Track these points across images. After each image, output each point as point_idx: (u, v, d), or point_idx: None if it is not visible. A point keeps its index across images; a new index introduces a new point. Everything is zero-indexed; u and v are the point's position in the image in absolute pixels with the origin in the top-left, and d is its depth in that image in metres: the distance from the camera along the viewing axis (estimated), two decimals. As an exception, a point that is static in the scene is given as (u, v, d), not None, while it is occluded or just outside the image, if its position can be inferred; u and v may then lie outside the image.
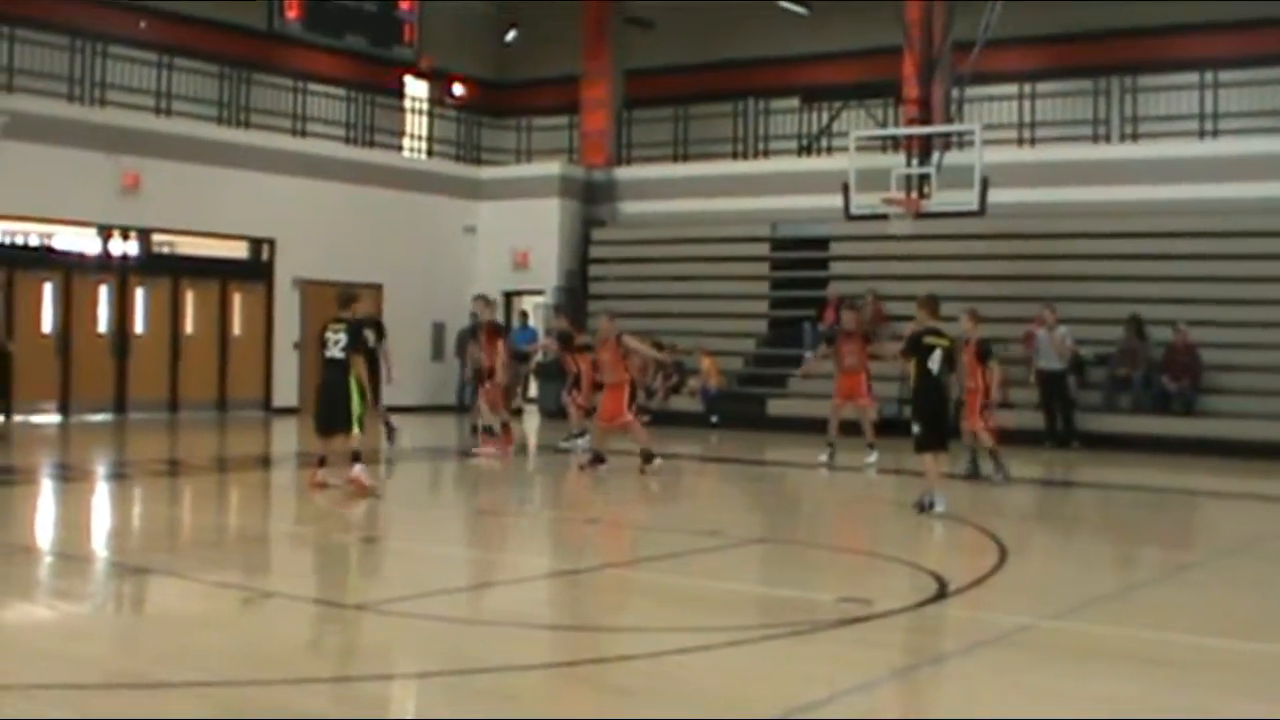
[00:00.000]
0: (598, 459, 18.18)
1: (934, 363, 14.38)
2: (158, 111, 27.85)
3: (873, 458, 19.46)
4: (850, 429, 20.11)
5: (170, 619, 9.07)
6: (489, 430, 20.23)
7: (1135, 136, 28.83)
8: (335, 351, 15.26)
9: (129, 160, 26.14)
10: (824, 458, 19.79)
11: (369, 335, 18.30)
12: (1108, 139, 29.11)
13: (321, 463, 15.54)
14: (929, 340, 14.52)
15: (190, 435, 23.92)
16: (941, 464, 14.67)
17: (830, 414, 20.18)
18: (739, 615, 9.55)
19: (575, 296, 30.72)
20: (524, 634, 8.75)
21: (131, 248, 26.76)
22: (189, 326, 27.53)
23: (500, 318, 31.25)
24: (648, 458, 17.87)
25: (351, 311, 15.68)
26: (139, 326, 26.79)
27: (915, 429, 14.42)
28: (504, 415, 20.22)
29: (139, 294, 26.85)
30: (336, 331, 15.32)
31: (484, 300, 20.90)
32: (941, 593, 10.07)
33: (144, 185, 26.29)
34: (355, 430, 15.30)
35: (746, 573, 11.44)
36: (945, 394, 14.98)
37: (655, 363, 27.77)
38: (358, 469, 15.17)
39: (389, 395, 20.67)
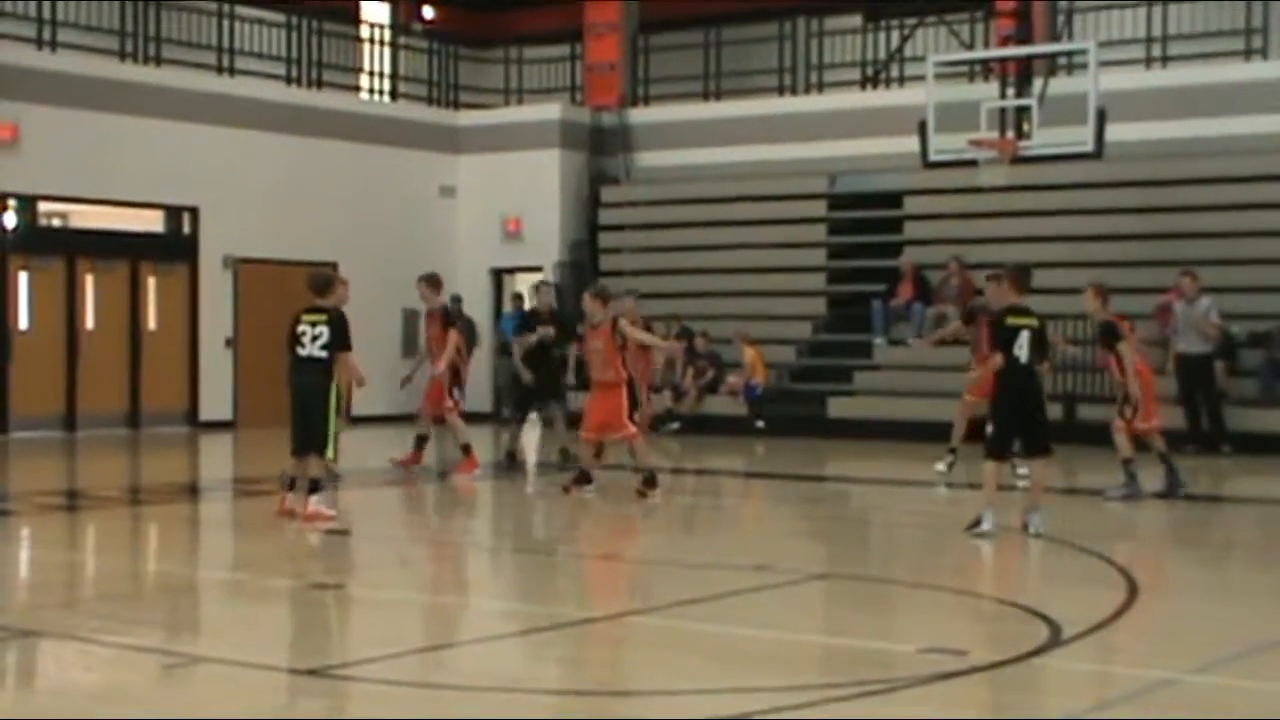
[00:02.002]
0: (583, 478, 18.10)
1: (1021, 349, 14.66)
2: (40, 44, 27.88)
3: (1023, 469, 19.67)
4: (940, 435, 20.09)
5: (68, 695, 9.03)
6: (466, 448, 20.57)
7: (1301, 49, 28.73)
8: (313, 349, 15.34)
9: (3, 107, 26.17)
10: (943, 467, 20.00)
11: None
12: (1263, 54, 28.94)
13: (291, 485, 15.59)
14: (1012, 321, 14.81)
15: (93, 458, 23.94)
16: (1004, 474, 15.10)
17: (958, 415, 20.18)
18: (797, 673, 9.48)
19: (582, 273, 30.72)
20: (526, 702, 8.71)
21: (8, 219, 26.81)
22: (89, 320, 27.59)
23: (485, 302, 31.34)
24: (649, 481, 17.71)
25: (334, 299, 15.73)
26: (22, 321, 26.86)
27: (990, 429, 14.92)
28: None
29: (21, 279, 26.91)
30: (315, 325, 15.38)
31: (428, 281, 21.28)
32: (1055, 640, 10.01)
33: (24, 139, 26.33)
34: (328, 453, 15.36)
35: (804, 618, 11.40)
36: (1036, 387, 15.26)
37: (684, 355, 27.82)
38: (314, 500, 15.20)
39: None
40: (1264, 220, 26.12)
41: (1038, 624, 10.47)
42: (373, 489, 19.99)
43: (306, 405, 15.46)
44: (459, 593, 13.00)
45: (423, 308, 22.33)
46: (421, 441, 20.96)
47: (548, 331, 21.29)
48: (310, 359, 15.37)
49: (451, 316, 21.20)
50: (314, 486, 15.40)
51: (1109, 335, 17.77)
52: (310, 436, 15.44)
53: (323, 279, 16.01)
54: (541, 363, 21.31)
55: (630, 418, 18.13)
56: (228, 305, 29.00)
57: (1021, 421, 14.90)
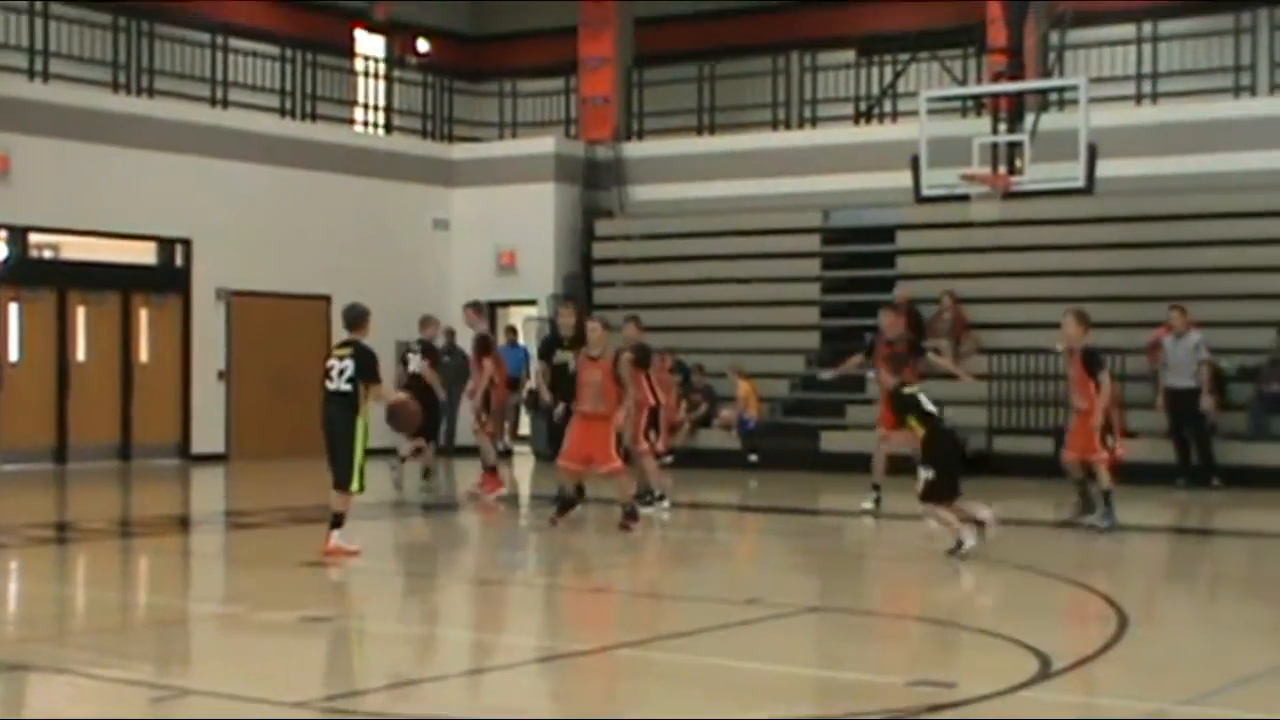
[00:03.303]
0: (567, 505, 18.05)
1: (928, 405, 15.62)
2: (31, 74, 27.94)
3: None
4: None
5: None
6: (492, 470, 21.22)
7: (1289, 87, 28.82)
8: (340, 383, 15.34)
9: (-6, 137, 26.29)
10: (869, 505, 20.02)
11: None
12: (1252, 91, 29.06)
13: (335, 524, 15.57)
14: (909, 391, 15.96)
15: (84, 490, 23.92)
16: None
17: (876, 450, 20.27)
18: (786, 705, 9.49)
19: (577, 304, 30.67)
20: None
21: (-1, 250, 26.88)
22: (80, 352, 27.59)
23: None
24: (631, 514, 17.68)
25: (363, 333, 15.72)
26: (12, 352, 26.82)
27: (925, 474, 15.53)
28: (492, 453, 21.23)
29: (12, 310, 26.89)
30: (342, 359, 15.44)
31: (475, 308, 21.58)
32: (1044, 672, 10.02)
33: (15, 170, 26.37)
34: (354, 487, 15.31)
35: (795, 650, 11.40)
36: (955, 437, 16.28)
37: (679, 390, 27.82)
38: (336, 536, 15.20)
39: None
40: (1254, 256, 26.17)
41: (1027, 656, 10.47)
42: (364, 520, 19.97)
43: (333, 439, 15.42)
44: (450, 625, 12.99)
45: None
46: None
47: (567, 356, 20.53)
48: (337, 393, 15.34)
49: (487, 344, 21.73)
50: (335, 521, 15.34)
51: (1092, 362, 17.82)
52: (337, 470, 15.43)
53: (354, 312, 15.99)
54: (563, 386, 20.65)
55: (648, 438, 18.19)
56: (220, 337, 28.99)
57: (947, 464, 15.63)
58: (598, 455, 17.60)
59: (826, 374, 24.25)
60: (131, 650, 11.37)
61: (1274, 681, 10.30)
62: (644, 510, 18.81)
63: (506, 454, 26.94)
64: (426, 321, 22.59)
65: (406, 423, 17.22)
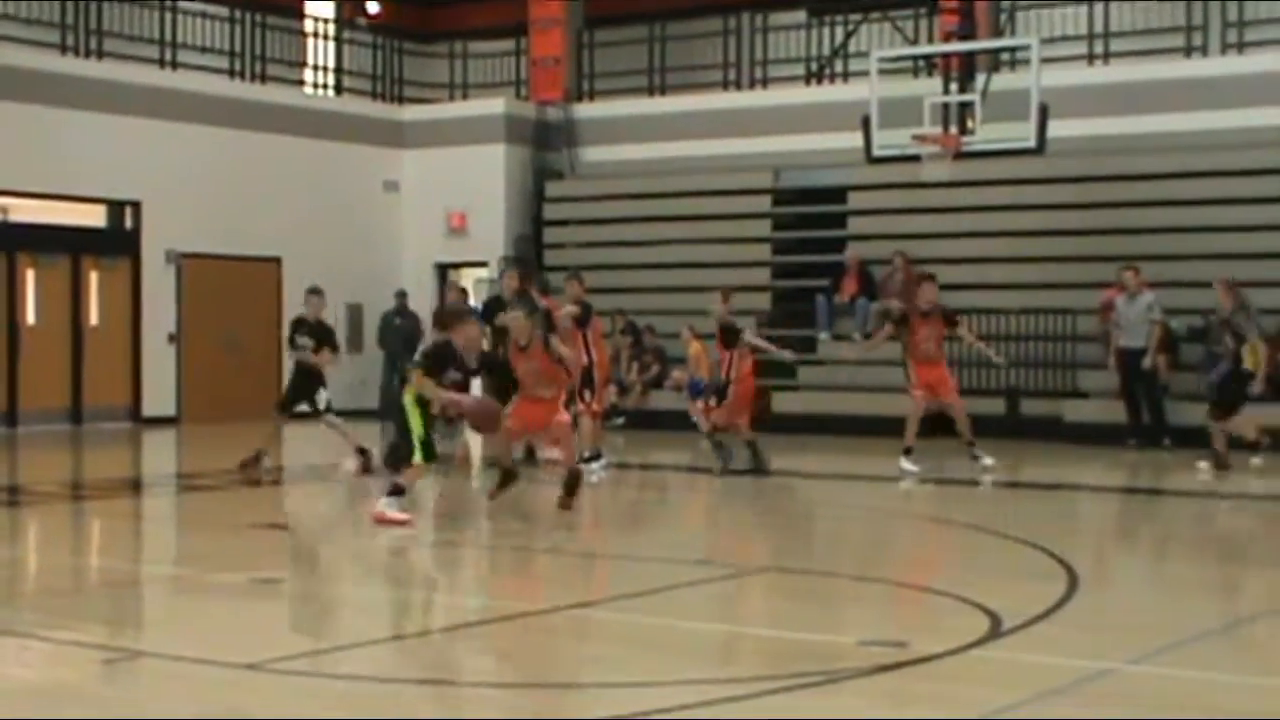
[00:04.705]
0: (507, 479, 17.33)
1: None
2: (-23, 37, 27.79)
3: (988, 460, 19.81)
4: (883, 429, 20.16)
5: (6, 693, 8.97)
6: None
7: (1240, 47, 28.86)
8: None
9: (-61, 101, 26.08)
10: (912, 466, 19.99)
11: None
12: (1203, 51, 29.10)
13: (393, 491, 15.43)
14: None
15: (34, 454, 23.82)
16: None
17: (910, 414, 20.30)
18: (736, 664, 9.53)
19: (527, 268, 30.60)
20: (467, 695, 8.73)
21: (-55, 214, 26.69)
22: (30, 315, 27.48)
23: (429, 297, 31.25)
24: (571, 488, 16.47)
25: (457, 335, 15.66)
26: (-40, 317, 26.69)
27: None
28: None
29: (-40, 275, 26.76)
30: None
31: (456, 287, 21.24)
32: (995, 631, 10.06)
33: (-39, 133, 26.25)
34: (416, 458, 15.22)
35: (745, 611, 11.46)
36: None
37: (631, 351, 27.85)
38: (383, 503, 15.11)
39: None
40: (1205, 216, 26.30)
41: (978, 615, 10.52)
42: (318, 484, 19.96)
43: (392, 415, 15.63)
44: (401, 587, 12.99)
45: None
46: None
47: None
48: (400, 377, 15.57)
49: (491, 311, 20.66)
50: (393, 489, 15.23)
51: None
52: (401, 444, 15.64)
53: (445, 312, 16.13)
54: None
55: (583, 398, 18.05)
56: (170, 300, 28.89)
57: None
58: (543, 419, 16.78)
59: (852, 352, 24.42)
60: (83, 612, 11.34)
61: (1222, 640, 10.39)
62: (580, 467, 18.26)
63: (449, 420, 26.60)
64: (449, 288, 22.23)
65: (488, 424, 16.04)
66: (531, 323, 16.59)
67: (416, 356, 15.31)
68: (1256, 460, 20.58)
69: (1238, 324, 20.94)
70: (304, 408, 20.55)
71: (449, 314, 15.91)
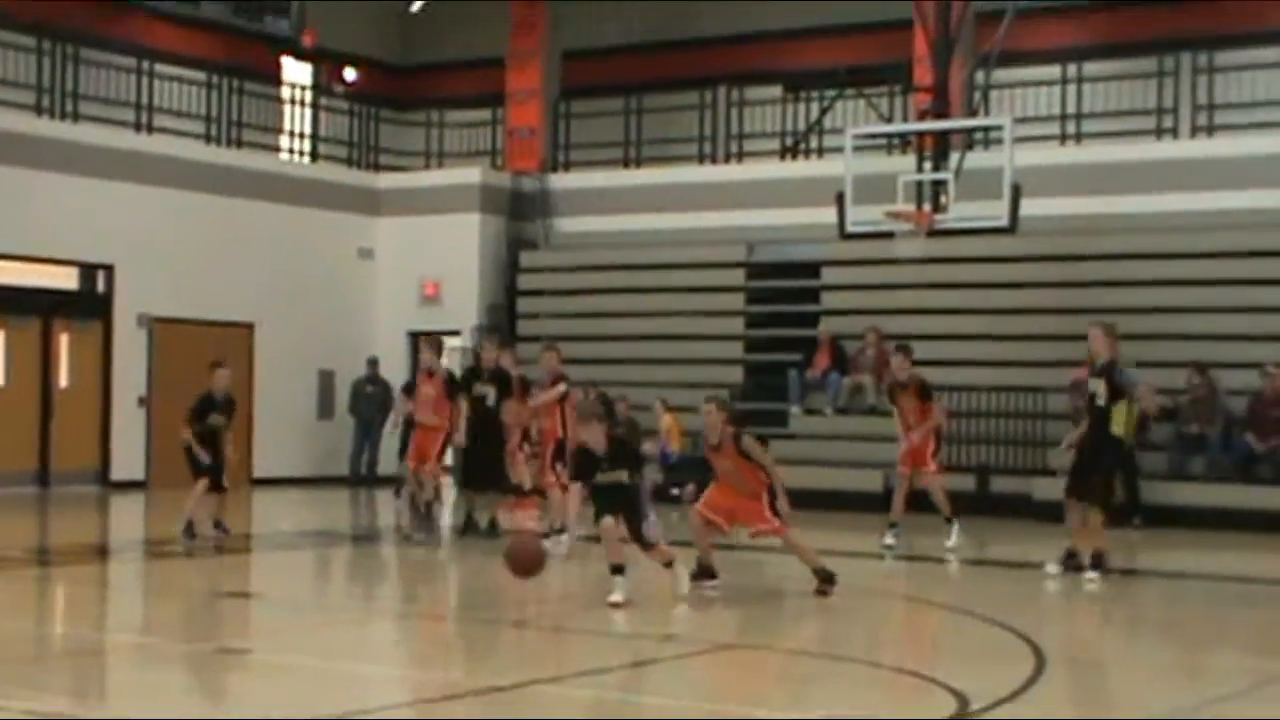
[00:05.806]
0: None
1: None
2: (-48, 99, 27.78)
3: (954, 540, 19.77)
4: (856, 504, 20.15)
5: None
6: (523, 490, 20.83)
7: (1210, 130, 29.08)
8: None
9: (-87, 161, 26.05)
10: (891, 540, 19.92)
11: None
12: (1174, 134, 29.29)
13: None
14: None
15: (0, 517, 23.67)
16: None
17: (897, 487, 20.31)
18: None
19: (500, 337, 30.64)
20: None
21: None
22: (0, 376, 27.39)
23: (402, 365, 31.21)
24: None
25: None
26: (-71, 378, 26.58)
27: None
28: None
29: (-71, 336, 26.68)
30: None
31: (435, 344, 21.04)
32: (962, 711, 10.06)
33: (-65, 194, 26.22)
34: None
35: (710, 687, 11.42)
36: None
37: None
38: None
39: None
40: (1175, 296, 26.38)
41: (944, 695, 10.50)
42: (283, 552, 19.88)
43: None
44: (364, 659, 12.89)
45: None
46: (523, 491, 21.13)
47: (487, 390, 20.16)
48: None
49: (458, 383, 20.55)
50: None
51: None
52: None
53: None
54: (482, 427, 19.98)
55: (554, 471, 18.20)
56: (142, 364, 28.78)
57: None
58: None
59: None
60: (47, 682, 11.26)
61: (1188, 723, 10.39)
62: (545, 544, 18.22)
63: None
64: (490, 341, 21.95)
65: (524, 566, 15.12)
66: (722, 417, 16.29)
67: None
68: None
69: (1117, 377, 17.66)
70: None
71: (579, 415, 15.74)
